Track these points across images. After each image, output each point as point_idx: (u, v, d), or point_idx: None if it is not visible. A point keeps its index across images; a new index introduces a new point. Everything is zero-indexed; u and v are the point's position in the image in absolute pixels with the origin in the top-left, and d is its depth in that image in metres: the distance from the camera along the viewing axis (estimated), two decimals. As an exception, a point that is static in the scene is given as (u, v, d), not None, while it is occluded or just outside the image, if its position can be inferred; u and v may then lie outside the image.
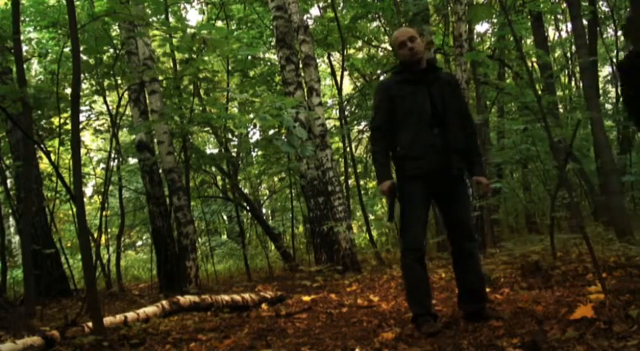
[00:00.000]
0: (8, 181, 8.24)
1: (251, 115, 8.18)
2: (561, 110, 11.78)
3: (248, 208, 10.77)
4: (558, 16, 14.84)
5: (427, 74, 3.30)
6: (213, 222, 14.50)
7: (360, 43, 13.67)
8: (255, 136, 12.55)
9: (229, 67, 10.27)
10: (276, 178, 13.80)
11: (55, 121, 7.96)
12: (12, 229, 11.90)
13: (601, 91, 14.85)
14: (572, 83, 15.48)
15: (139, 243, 16.93)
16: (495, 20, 11.58)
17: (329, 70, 12.87)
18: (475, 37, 12.62)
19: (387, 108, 3.29)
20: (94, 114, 9.38)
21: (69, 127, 6.47)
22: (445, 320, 3.26)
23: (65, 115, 6.52)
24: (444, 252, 7.63)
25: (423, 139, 3.20)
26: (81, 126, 7.38)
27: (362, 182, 13.14)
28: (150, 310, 4.33)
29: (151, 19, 5.65)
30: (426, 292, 3.23)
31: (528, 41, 13.62)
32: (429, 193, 3.25)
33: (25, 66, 6.63)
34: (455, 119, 3.25)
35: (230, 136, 10.68)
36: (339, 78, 11.64)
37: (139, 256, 15.45)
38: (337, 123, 13.45)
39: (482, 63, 9.20)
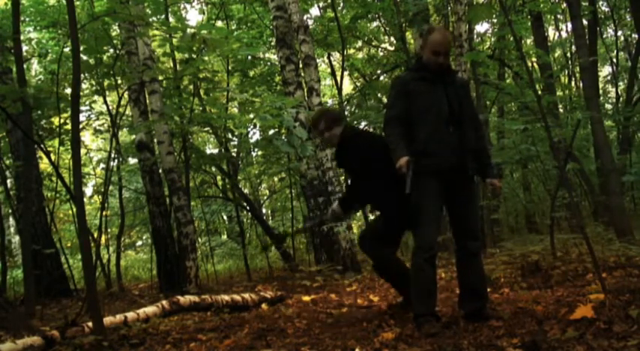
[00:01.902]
0: (8, 181, 8.24)
1: (251, 115, 8.18)
2: (561, 110, 11.78)
3: (248, 208, 10.77)
4: (558, 16, 14.84)
5: (444, 75, 3.31)
6: (213, 222, 14.49)
7: (360, 43, 13.67)
8: (255, 136, 12.54)
9: (229, 67, 10.28)
10: (276, 178, 13.80)
11: (55, 121, 7.96)
12: (12, 229, 11.90)
13: (601, 91, 14.85)
14: (572, 83, 15.48)
15: (139, 243, 16.93)
16: (495, 20, 11.58)
17: (329, 70, 12.86)
18: (475, 37, 12.62)
19: (403, 103, 3.29)
20: (94, 114, 9.38)
21: (69, 127, 6.46)
22: (445, 320, 3.26)
23: (65, 115, 6.51)
24: (443, 252, 7.63)
25: (440, 136, 3.20)
26: (81, 126, 7.38)
27: (362, 182, 13.11)
28: (150, 310, 4.33)
29: (151, 19, 5.66)
30: (432, 294, 3.23)
31: (528, 41, 13.62)
32: (442, 191, 3.24)
33: (25, 66, 6.63)
34: (467, 120, 3.28)
35: (230, 136, 10.68)
36: (339, 78, 11.64)
37: (139, 256, 15.44)
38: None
39: (482, 63, 9.19)
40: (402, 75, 3.64)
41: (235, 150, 11.31)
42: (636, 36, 11.63)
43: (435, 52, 3.27)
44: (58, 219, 12.11)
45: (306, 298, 5.05)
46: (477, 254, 3.33)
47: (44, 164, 9.49)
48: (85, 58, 5.40)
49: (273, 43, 9.75)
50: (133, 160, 10.95)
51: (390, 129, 3.32)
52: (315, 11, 13.45)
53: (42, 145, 6.09)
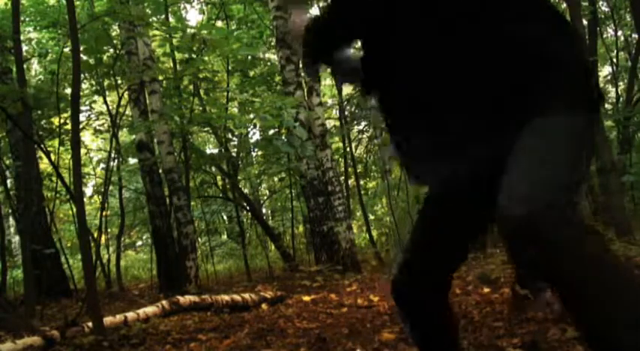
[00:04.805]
0: (8, 181, 8.24)
1: (251, 115, 8.19)
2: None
3: (248, 208, 10.77)
4: (558, 16, 14.83)
5: None
6: (213, 222, 14.49)
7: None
8: (255, 136, 12.53)
9: (229, 67, 10.27)
10: (276, 178, 13.79)
11: (55, 121, 7.96)
12: (12, 229, 11.90)
13: (601, 91, 14.80)
14: (572, 83, 15.44)
15: (139, 243, 16.91)
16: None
17: (329, 69, 12.82)
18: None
19: None
20: (94, 114, 9.39)
21: (69, 127, 6.47)
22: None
23: (65, 115, 6.52)
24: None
25: None
26: (81, 126, 7.38)
27: (362, 182, 13.14)
28: (150, 310, 4.34)
29: (150, 19, 5.66)
30: None
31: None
32: None
33: (25, 66, 6.64)
34: None
35: (230, 136, 10.67)
36: (339, 78, 11.60)
37: (139, 256, 15.44)
38: (337, 123, 13.44)
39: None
40: None
41: (235, 150, 11.31)
42: (636, 36, 11.64)
43: None
44: (58, 219, 12.09)
45: (306, 298, 5.05)
46: None
47: (44, 164, 9.47)
48: (85, 58, 5.41)
49: (273, 43, 9.74)
50: (133, 160, 10.95)
51: None
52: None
53: (42, 145, 6.10)
